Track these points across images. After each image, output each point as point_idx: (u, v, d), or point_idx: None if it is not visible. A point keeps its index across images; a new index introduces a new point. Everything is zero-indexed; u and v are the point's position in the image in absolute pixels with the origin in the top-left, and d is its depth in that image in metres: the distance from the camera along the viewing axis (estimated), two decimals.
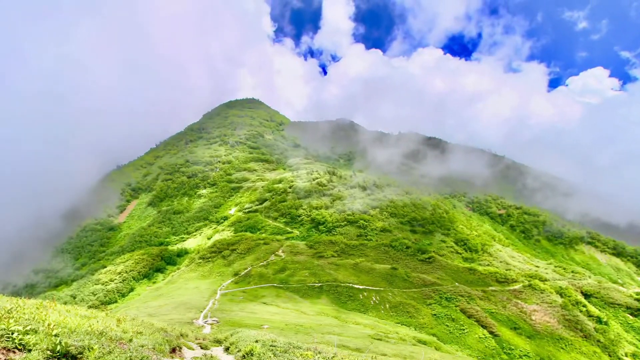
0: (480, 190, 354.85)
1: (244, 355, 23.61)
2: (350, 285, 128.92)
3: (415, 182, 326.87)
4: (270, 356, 22.45)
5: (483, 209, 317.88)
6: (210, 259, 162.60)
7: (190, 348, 27.85)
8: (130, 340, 18.51)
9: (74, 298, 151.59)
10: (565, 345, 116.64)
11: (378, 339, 73.79)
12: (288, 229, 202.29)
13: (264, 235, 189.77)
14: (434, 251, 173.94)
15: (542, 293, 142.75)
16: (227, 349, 28.59)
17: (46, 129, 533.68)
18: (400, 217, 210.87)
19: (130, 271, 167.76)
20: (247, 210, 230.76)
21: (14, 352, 11.51)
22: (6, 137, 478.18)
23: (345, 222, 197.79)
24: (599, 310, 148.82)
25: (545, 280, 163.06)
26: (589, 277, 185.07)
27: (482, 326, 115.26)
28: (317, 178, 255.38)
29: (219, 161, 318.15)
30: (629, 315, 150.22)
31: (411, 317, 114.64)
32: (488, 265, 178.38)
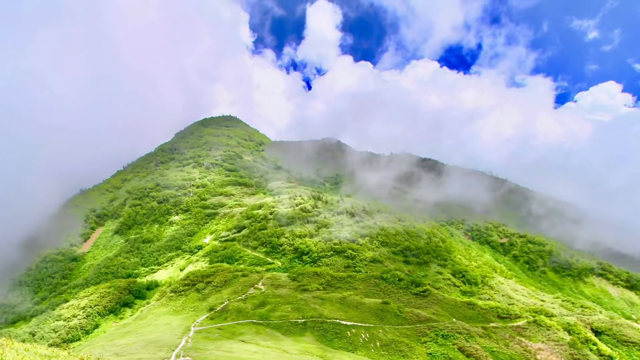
0: (480, 217, 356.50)
1: None
2: (337, 321, 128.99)
3: (408, 207, 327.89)
4: None
5: (483, 238, 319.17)
6: (183, 293, 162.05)
7: None
8: None
9: (33, 335, 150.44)
10: None
11: None
12: (269, 259, 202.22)
13: (242, 266, 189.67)
14: (429, 284, 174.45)
15: (548, 330, 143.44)
16: None
17: (1, 150, 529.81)
18: (392, 247, 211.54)
19: (95, 306, 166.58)
20: (223, 238, 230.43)
21: None
22: None
23: (332, 252, 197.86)
24: (611, 348, 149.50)
25: (552, 315, 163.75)
26: (600, 312, 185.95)
27: None
28: (300, 203, 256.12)
29: (193, 185, 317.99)
30: None
31: (404, 357, 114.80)
32: (489, 299, 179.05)
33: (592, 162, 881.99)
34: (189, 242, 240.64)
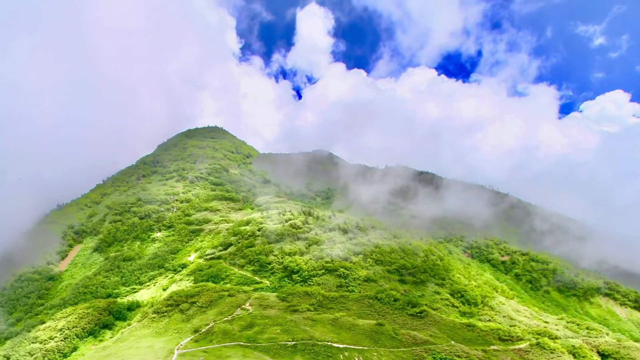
0: (480, 234, 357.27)
1: None
2: (329, 343, 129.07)
3: (404, 223, 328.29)
4: None
5: (483, 255, 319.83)
6: (166, 314, 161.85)
7: None
8: None
9: (8, 359, 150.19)
10: None
11: None
12: (257, 278, 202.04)
13: (228, 285, 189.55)
14: (426, 304, 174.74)
15: (552, 353, 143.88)
16: None
17: None
18: (387, 265, 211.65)
19: (73, 327, 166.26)
20: (209, 256, 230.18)
21: None
22: None
23: (323, 271, 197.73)
24: None
25: (556, 338, 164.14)
26: (607, 334, 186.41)
27: None
28: (290, 219, 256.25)
29: (177, 199, 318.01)
30: None
31: None
32: (489, 320, 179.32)
33: (598, 175, 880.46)
34: (172, 260, 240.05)
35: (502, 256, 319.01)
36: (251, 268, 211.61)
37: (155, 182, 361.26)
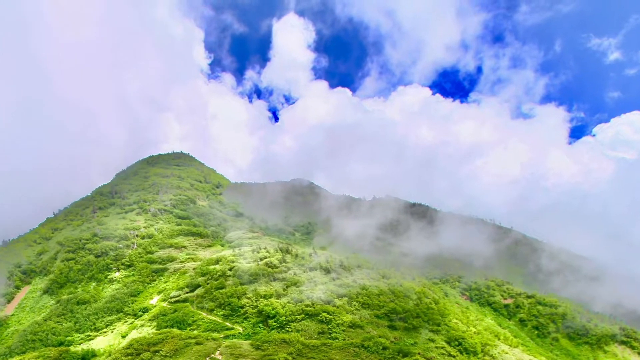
0: (480, 274, 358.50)
1: None
2: None
3: (394, 262, 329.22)
4: None
5: (484, 298, 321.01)
6: None
7: None
8: None
9: None
10: None
11: None
12: (228, 324, 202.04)
13: (196, 332, 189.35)
14: (419, 353, 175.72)
15: None
16: None
17: None
18: (375, 309, 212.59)
19: None
20: (173, 299, 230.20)
21: None
22: None
23: (303, 315, 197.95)
24: None
25: None
26: None
27: None
28: (265, 257, 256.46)
29: (137, 235, 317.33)
30: None
31: None
32: None
33: (613, 207, 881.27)
34: (132, 303, 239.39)
35: (505, 299, 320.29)
36: (221, 312, 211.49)
37: (113, 216, 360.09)
